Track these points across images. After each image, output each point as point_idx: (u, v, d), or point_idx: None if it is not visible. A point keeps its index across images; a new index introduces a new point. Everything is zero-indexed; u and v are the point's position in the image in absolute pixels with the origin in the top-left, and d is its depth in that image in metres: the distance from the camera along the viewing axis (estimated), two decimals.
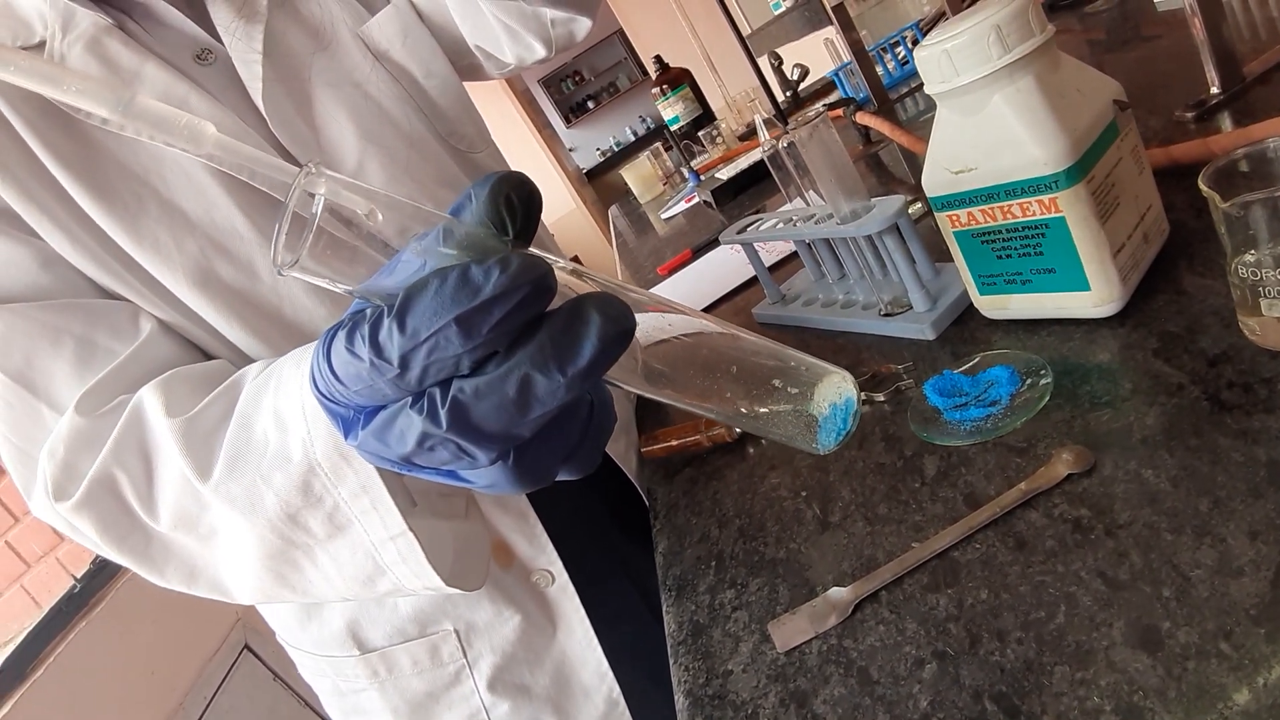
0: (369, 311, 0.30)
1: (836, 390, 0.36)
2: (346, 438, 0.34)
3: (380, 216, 0.31)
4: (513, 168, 0.38)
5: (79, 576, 2.07)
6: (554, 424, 0.32)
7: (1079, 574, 0.43)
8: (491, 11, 0.84)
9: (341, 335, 0.30)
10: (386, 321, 0.29)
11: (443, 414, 0.30)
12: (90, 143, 0.64)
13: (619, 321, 0.29)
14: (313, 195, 0.30)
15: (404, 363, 0.29)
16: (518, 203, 0.31)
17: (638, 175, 2.85)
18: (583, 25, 0.90)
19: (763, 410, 0.36)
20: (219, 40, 0.70)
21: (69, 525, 0.57)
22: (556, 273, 0.31)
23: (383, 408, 0.32)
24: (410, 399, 0.30)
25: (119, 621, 2.03)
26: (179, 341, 0.68)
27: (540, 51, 0.91)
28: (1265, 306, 0.46)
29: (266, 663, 2.28)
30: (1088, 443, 0.49)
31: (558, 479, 0.35)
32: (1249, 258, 0.46)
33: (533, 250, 0.32)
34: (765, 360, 0.36)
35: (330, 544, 0.51)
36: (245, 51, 0.69)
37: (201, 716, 2.05)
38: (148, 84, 0.64)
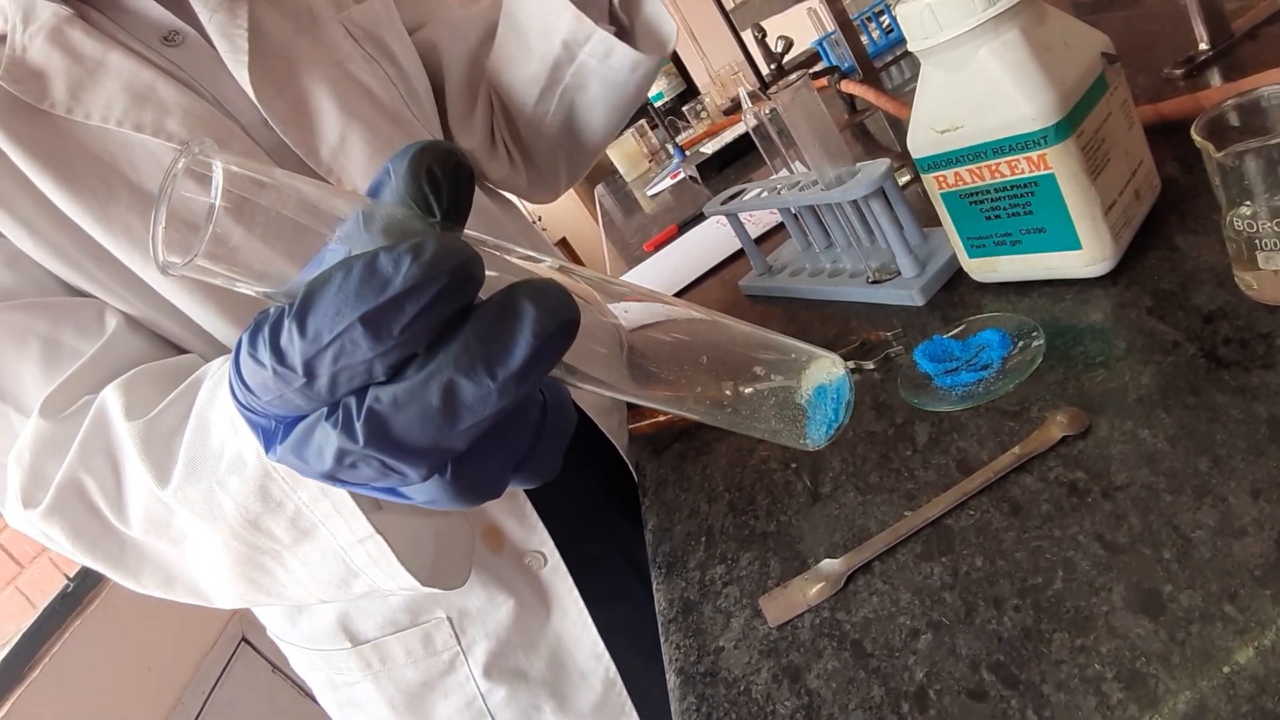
0: (273, 311, 0.26)
1: (826, 378, 0.32)
2: (267, 452, 0.30)
3: (295, 200, 0.26)
4: None
5: (71, 576, 2.06)
6: (496, 431, 0.29)
7: (1076, 538, 0.41)
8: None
9: (245, 339, 0.27)
10: (286, 323, 0.25)
11: (358, 428, 0.26)
12: (57, 130, 0.62)
13: (557, 313, 0.25)
14: (207, 177, 0.25)
15: (309, 370, 0.25)
16: (442, 177, 0.27)
17: (622, 153, 2.83)
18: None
19: (744, 404, 0.32)
20: (188, 24, 0.69)
21: (42, 533, 0.55)
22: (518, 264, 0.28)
23: (302, 418, 0.28)
24: (326, 410, 0.27)
25: (114, 619, 2.02)
26: (147, 337, 0.66)
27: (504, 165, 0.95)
28: (1261, 260, 0.45)
29: (264, 655, 2.27)
30: (1082, 404, 0.48)
31: (523, 486, 0.32)
32: (1244, 210, 0.45)
33: (469, 233, 0.28)
34: (746, 348, 0.32)
35: (298, 549, 0.49)
36: (228, 26, 0.67)
37: (201, 711, 2.05)
38: (112, 72, 0.63)
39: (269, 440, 0.29)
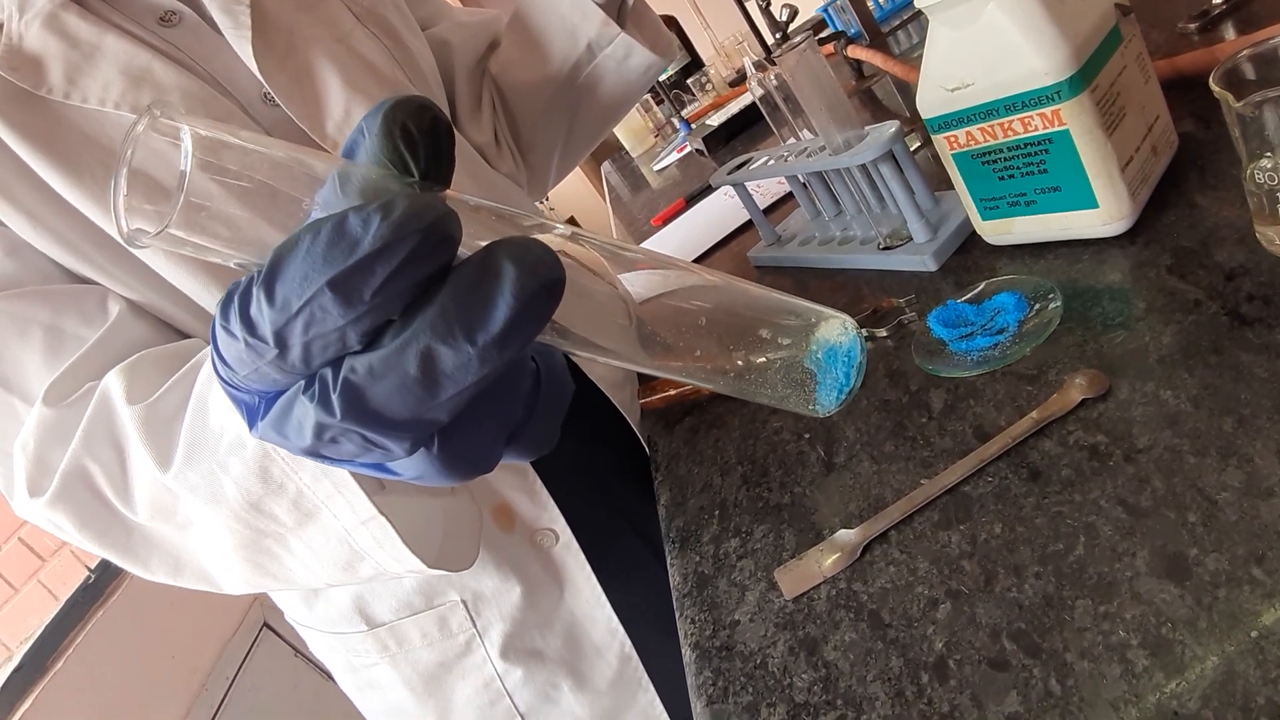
0: (244, 280, 0.25)
1: (837, 340, 0.30)
2: (251, 429, 0.29)
3: (268, 164, 0.25)
4: None
5: (93, 568, 2.07)
6: (484, 401, 0.27)
7: (1098, 503, 0.40)
8: None
9: (218, 311, 0.25)
10: (254, 292, 0.24)
11: (335, 400, 0.25)
12: (55, 116, 0.61)
13: (539, 272, 0.23)
14: (177, 143, 0.24)
15: (280, 340, 0.24)
16: (418, 134, 0.25)
17: (628, 129, 2.80)
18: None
19: (750, 370, 0.30)
20: (184, 3, 0.68)
21: (49, 522, 0.55)
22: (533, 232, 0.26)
23: (283, 393, 0.27)
24: (304, 383, 0.26)
25: (135, 608, 2.03)
26: (151, 322, 0.65)
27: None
28: None
29: (287, 640, 2.29)
30: (1102, 366, 0.47)
31: (518, 460, 0.31)
32: (1265, 163, 0.43)
33: (455, 194, 0.27)
34: (754, 311, 0.30)
35: (302, 532, 0.49)
36: (230, 2, 0.67)
37: (225, 697, 2.06)
38: (108, 55, 0.62)
39: (252, 417, 0.28)
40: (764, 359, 0.30)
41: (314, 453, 0.27)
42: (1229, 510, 0.36)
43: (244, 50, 0.66)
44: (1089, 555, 0.38)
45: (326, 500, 0.46)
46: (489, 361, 0.24)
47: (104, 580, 2.05)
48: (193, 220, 0.24)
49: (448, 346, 0.24)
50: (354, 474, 0.45)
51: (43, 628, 1.92)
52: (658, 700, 0.84)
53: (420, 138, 0.25)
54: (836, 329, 0.30)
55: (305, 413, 0.26)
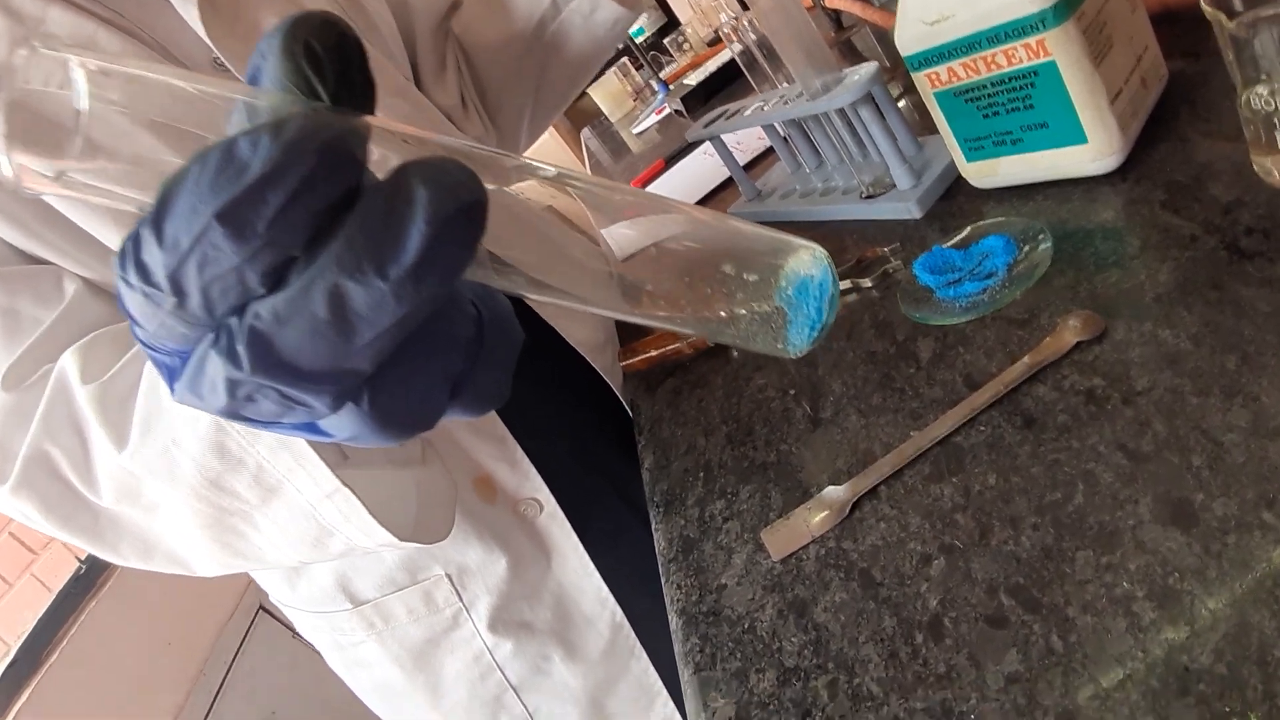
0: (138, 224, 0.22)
1: (807, 272, 0.27)
2: (172, 393, 0.26)
3: (169, 97, 0.22)
4: None
5: (83, 558, 2.05)
6: (416, 349, 0.24)
7: (1096, 449, 0.38)
8: None
9: (117, 262, 0.23)
10: (144, 233, 0.21)
11: (241, 351, 0.22)
12: None
13: (457, 194, 0.21)
14: (70, 81, 0.21)
15: (175, 286, 0.21)
16: (323, 52, 0.22)
17: (606, 93, 2.76)
18: None
19: (718, 309, 0.27)
20: None
21: (17, 510, 0.53)
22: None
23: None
24: (213, 335, 0.23)
25: (128, 597, 2.01)
26: (108, 301, 0.63)
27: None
28: None
29: (283, 621, 2.27)
30: (1096, 307, 0.45)
31: (466, 416, 0.28)
32: (1261, 89, 0.42)
33: (381, 121, 0.24)
34: (719, 245, 0.27)
35: (267, 508, 0.47)
36: None
37: (223, 681, 2.06)
38: (53, 28, 0.59)
39: (172, 379, 0.25)
40: (731, 297, 0.27)
41: (233, 414, 0.24)
42: (1235, 451, 0.34)
43: (190, 14, 0.63)
44: (1089, 504, 0.37)
45: (288, 474, 0.44)
46: (405, 298, 0.21)
47: (95, 571, 2.03)
48: (90, 159, 0.22)
49: (356, 282, 0.21)
50: (313, 445, 0.43)
51: (36, 621, 1.90)
52: (651, 668, 0.83)
53: (325, 55, 0.22)
54: (806, 261, 0.27)
55: (216, 368, 0.23)
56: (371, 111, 0.24)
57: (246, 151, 0.20)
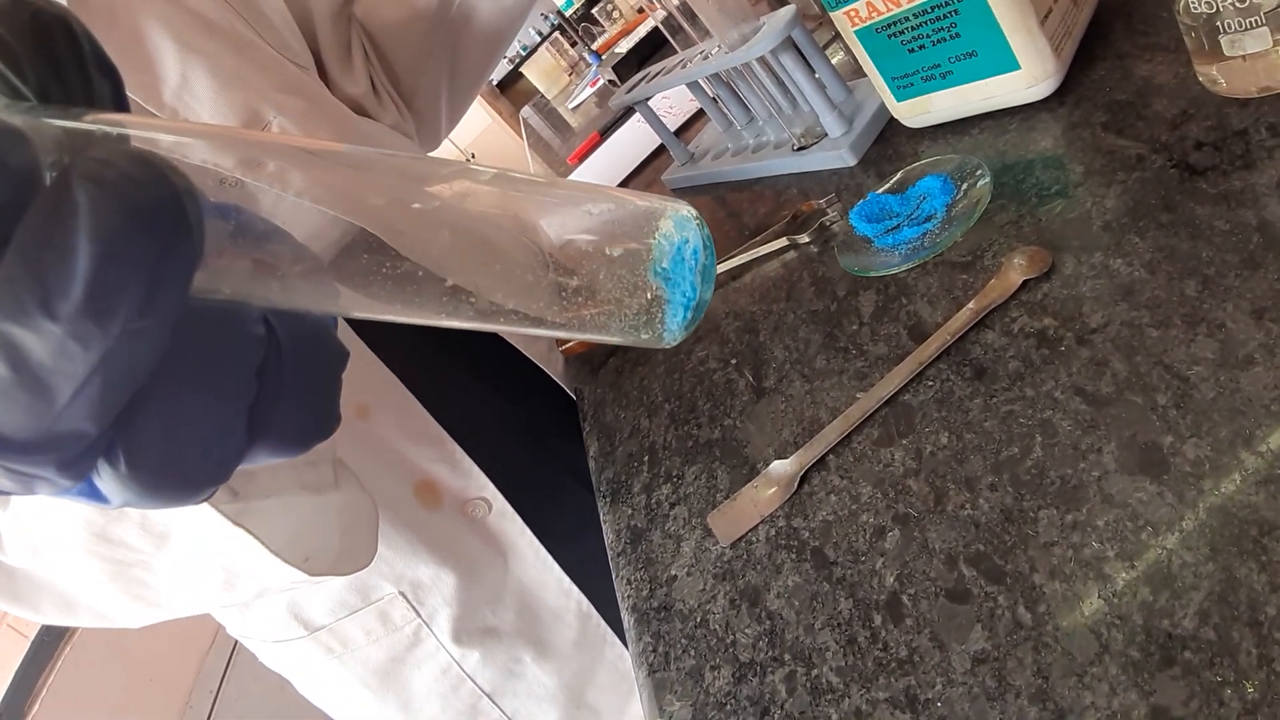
0: None
1: (680, 237, 0.21)
2: None
3: None
4: None
5: None
6: (172, 391, 0.19)
7: (1053, 395, 0.35)
8: None
9: None
10: None
11: None
12: None
13: (124, 192, 0.16)
14: None
15: None
16: (13, 37, 0.18)
17: (540, 70, 2.71)
18: None
19: (573, 301, 0.21)
20: None
21: None
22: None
23: None
24: None
25: (105, 637, 1.97)
26: None
27: None
28: (1226, 46, 0.39)
29: None
30: (1041, 242, 0.42)
31: (280, 457, 0.23)
32: None
33: (119, 117, 0.18)
34: (564, 223, 0.21)
35: (163, 554, 0.42)
36: None
37: (211, 710, 2.03)
38: None
39: None
40: (587, 284, 0.21)
41: None
42: (1204, 386, 0.31)
43: None
44: (1048, 457, 0.33)
45: (171, 518, 0.39)
46: (92, 339, 0.16)
47: None
48: None
49: (25, 328, 0.16)
50: None
51: (16, 669, 1.86)
52: (626, 654, 0.80)
53: (17, 41, 0.18)
54: (670, 224, 0.21)
55: None
56: (100, 106, 0.19)
57: None
